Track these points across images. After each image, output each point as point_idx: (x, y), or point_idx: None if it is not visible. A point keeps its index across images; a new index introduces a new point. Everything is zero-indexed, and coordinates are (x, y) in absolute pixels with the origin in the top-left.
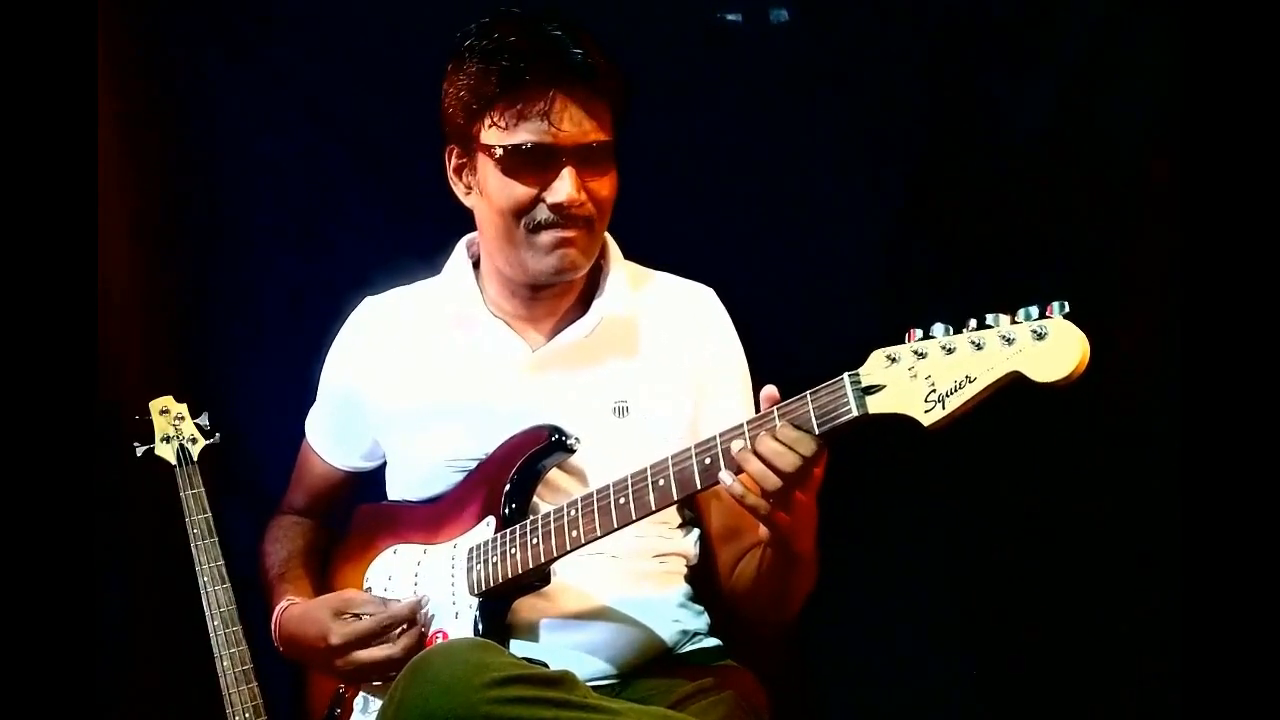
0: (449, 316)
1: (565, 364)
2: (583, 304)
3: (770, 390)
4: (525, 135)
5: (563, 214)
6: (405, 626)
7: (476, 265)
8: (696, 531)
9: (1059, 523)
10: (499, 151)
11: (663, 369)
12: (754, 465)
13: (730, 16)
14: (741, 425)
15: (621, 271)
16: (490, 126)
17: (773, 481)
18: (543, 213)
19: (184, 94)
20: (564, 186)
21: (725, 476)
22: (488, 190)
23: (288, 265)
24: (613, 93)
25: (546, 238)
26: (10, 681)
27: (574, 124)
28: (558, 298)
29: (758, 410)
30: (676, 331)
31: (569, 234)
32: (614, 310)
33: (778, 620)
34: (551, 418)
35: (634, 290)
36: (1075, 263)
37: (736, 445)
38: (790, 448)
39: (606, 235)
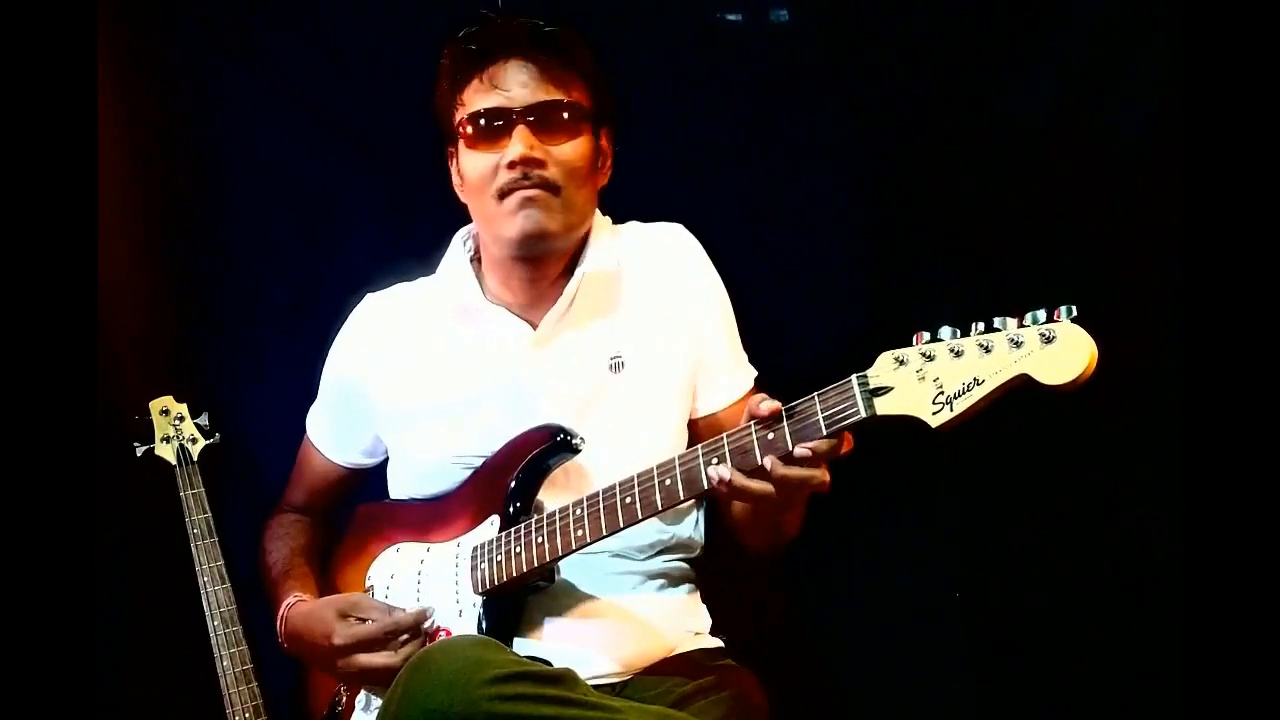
0: (450, 309)
1: (560, 336)
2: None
3: (773, 404)
4: (481, 104)
5: (520, 172)
6: (408, 635)
7: (475, 260)
8: (700, 515)
9: (1063, 526)
10: (464, 126)
11: (651, 318)
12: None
13: (730, 16)
14: (749, 426)
15: (602, 233)
16: (459, 109)
17: (819, 479)
18: (504, 176)
19: (184, 93)
20: (516, 146)
21: (714, 473)
22: (464, 171)
23: (288, 265)
24: (575, 56)
25: (510, 201)
26: (10, 681)
27: (525, 86)
28: (553, 282)
29: (751, 394)
30: (657, 278)
31: (530, 194)
32: (594, 267)
33: (769, 552)
34: (553, 392)
35: (612, 248)
36: (1080, 265)
37: (741, 449)
38: (817, 456)
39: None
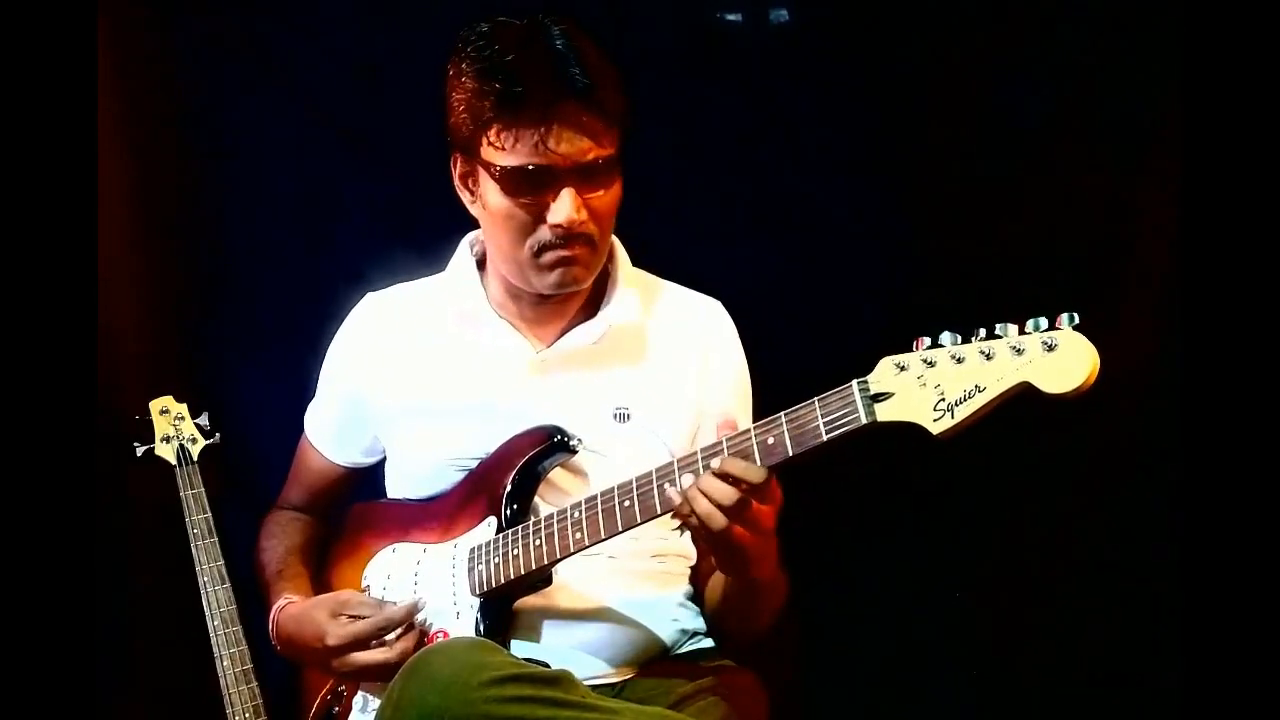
0: (452, 314)
1: (569, 367)
2: (589, 309)
3: (730, 418)
4: (523, 158)
5: (564, 234)
6: (401, 630)
7: (480, 264)
8: None
9: (1062, 532)
10: (498, 171)
11: (667, 379)
12: (701, 505)
13: (730, 16)
14: (749, 431)
15: (630, 279)
16: (488, 145)
17: (718, 521)
18: (545, 234)
19: (184, 93)
20: (563, 209)
21: (673, 494)
22: (490, 207)
23: (287, 264)
24: (614, 105)
25: (550, 257)
26: (10, 681)
27: (571, 144)
28: (563, 302)
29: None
30: (683, 342)
31: (572, 252)
32: (622, 318)
33: (750, 634)
34: (552, 419)
35: (642, 299)
36: (1082, 272)
37: (741, 453)
38: (738, 478)
39: (615, 241)
